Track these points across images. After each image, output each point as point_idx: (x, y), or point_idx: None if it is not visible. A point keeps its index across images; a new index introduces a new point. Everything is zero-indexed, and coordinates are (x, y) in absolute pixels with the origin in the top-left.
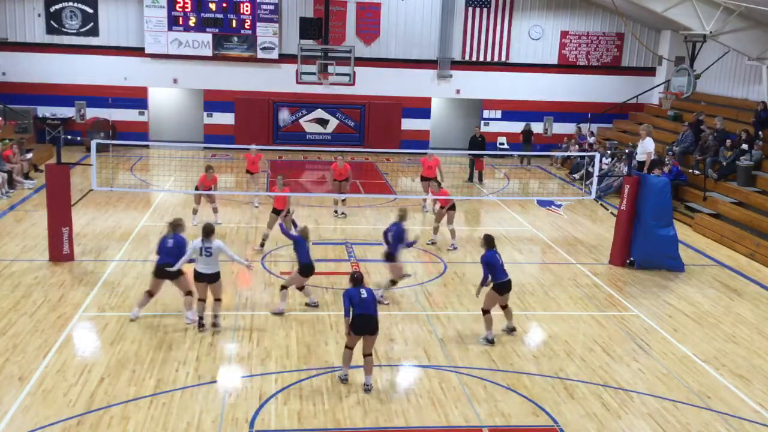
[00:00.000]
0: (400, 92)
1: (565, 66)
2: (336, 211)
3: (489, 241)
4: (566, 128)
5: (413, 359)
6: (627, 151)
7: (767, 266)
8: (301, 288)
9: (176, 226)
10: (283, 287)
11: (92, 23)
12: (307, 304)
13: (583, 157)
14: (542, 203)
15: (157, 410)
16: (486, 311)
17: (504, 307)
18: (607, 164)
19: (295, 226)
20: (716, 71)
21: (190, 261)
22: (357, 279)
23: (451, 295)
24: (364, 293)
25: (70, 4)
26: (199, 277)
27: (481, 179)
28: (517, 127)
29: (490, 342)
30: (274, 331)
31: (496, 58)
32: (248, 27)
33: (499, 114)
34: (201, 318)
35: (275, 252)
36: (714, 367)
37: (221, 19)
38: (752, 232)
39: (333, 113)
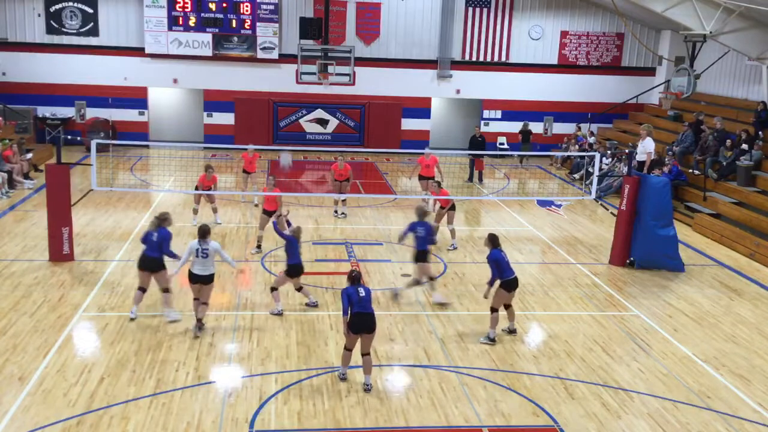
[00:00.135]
0: (400, 92)
1: (565, 66)
2: (336, 211)
3: (494, 240)
4: (566, 128)
5: (413, 359)
6: (627, 151)
7: (767, 266)
8: (299, 288)
9: (162, 220)
10: (273, 289)
11: (92, 23)
12: (306, 305)
13: (583, 157)
14: (542, 203)
15: (157, 410)
16: (494, 309)
17: (507, 307)
18: (607, 164)
19: (289, 225)
20: (716, 71)
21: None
22: (355, 277)
23: (452, 295)
24: (362, 291)
25: (70, 4)
26: (193, 278)
27: (481, 179)
28: (516, 127)
29: (492, 340)
30: (274, 331)
31: (496, 58)
32: (248, 27)
33: (499, 114)
34: (200, 320)
35: (275, 252)
36: (714, 367)
37: (221, 19)
38: (752, 232)
39: (333, 113)
